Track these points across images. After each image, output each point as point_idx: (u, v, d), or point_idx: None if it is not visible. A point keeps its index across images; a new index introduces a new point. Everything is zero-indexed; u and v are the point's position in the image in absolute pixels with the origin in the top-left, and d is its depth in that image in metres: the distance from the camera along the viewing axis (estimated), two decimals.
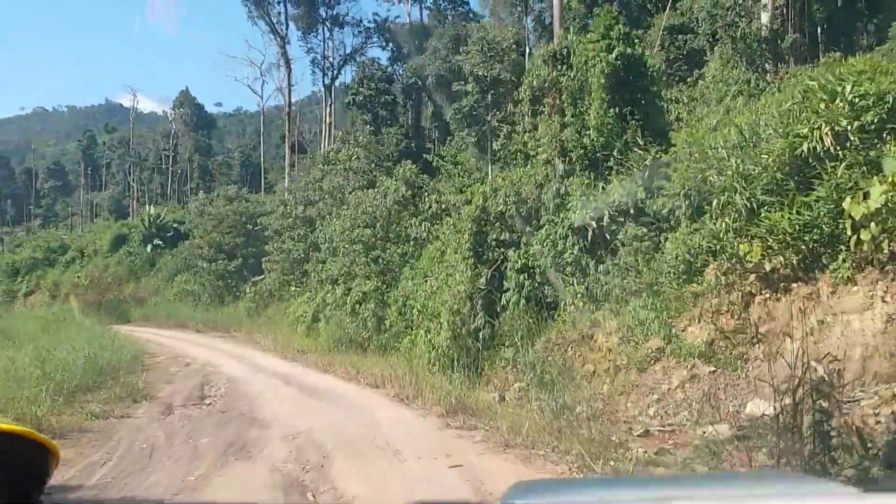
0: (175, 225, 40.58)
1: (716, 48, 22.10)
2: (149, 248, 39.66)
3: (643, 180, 12.75)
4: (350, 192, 23.14)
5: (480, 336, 13.06)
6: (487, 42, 22.96)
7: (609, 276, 11.96)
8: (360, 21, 46.16)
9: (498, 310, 13.18)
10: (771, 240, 9.58)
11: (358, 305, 19.05)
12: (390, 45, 46.91)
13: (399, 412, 10.14)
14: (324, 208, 24.44)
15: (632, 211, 12.37)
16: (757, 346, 9.67)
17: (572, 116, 13.76)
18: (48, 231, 57.55)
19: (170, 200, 65.45)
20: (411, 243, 19.45)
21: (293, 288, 27.60)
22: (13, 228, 77.34)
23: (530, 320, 12.35)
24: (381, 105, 39.56)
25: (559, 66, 14.20)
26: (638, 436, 8.75)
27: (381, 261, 19.34)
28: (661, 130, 13.45)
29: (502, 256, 13.25)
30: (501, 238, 13.32)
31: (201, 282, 33.04)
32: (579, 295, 12.12)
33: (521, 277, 12.80)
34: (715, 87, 19.71)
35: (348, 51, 45.89)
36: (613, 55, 13.10)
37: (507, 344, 12.67)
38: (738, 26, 21.66)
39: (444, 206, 19.06)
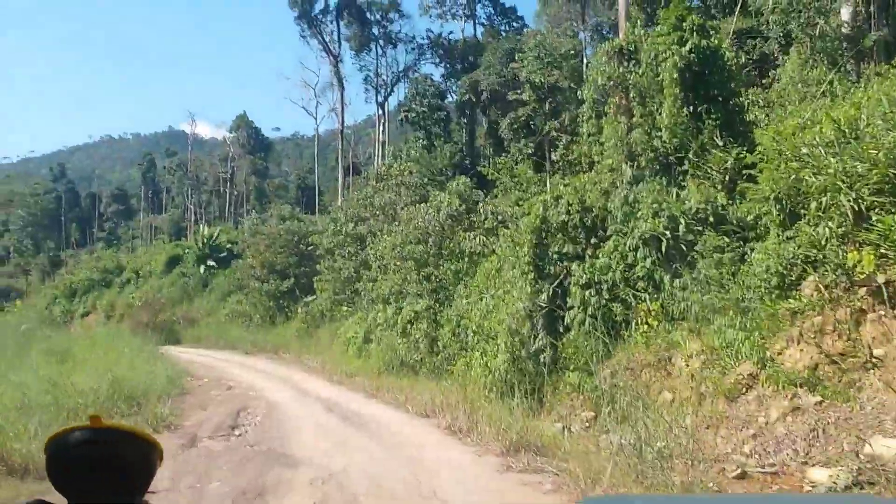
0: (229, 245, 40.52)
1: (792, 48, 20.49)
2: (202, 268, 39.61)
3: (723, 185, 11.43)
4: (402, 208, 22.27)
5: (542, 359, 11.85)
6: (544, 48, 21.81)
7: (687, 292, 10.62)
8: (413, 38, 45.70)
9: (561, 330, 11.95)
10: (885, 247, 8.19)
11: (409, 325, 18.06)
12: (444, 62, 46.30)
13: (450, 450, 8.96)
14: (375, 225, 23.64)
15: (711, 218, 11.04)
16: (872, 371, 8.23)
17: (641, 117, 12.53)
18: (106, 252, 58.56)
19: (227, 222, 66.14)
20: (465, 259, 18.41)
21: (345, 308, 26.84)
22: (77, 251, 79.45)
23: (598, 341, 11.06)
24: (435, 122, 38.81)
25: (625, 63, 13.00)
26: (734, 478, 7.41)
27: (433, 278, 18.33)
28: (742, 130, 12.10)
29: (565, 271, 12.04)
30: (564, 251, 12.12)
31: (253, 302, 32.62)
32: (653, 313, 10.80)
33: (587, 294, 11.56)
34: (794, 88, 18.14)
35: (401, 68, 45.41)
36: (687, 48, 11.85)
37: (571, 368, 11.43)
38: (817, 24, 20.04)
39: (500, 218, 17.99)
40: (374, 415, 11.77)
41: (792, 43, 21.28)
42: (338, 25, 45.40)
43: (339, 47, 45.69)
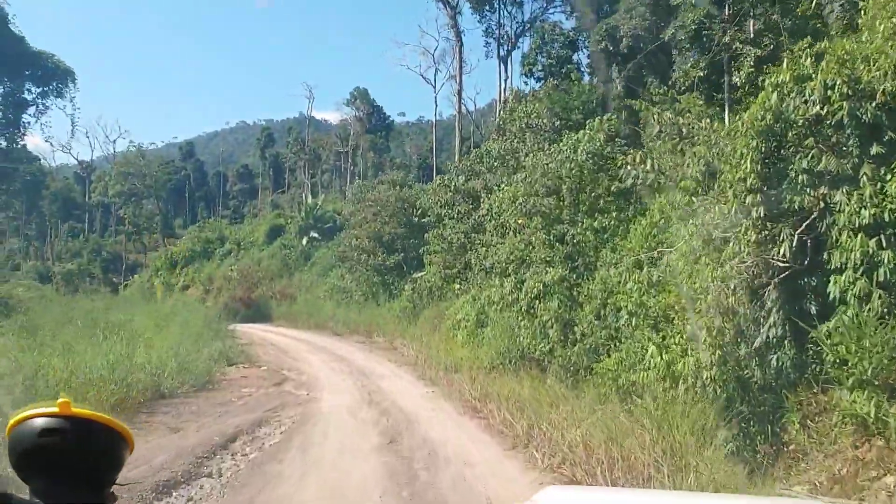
0: (334, 216, 36.92)
1: None
2: (304, 240, 36.13)
3: None
4: (526, 156, 17.28)
5: (778, 363, 6.55)
6: None
7: None
8: None
9: (813, 310, 6.59)
10: None
11: (536, 303, 13.13)
12: (574, 11, 40.45)
13: None
14: (491, 179, 18.78)
15: None
16: None
17: None
18: (209, 221, 56.93)
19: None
20: (613, 214, 13.22)
21: (456, 285, 22.27)
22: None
23: None
24: (564, 76, 33.35)
25: None
26: None
27: (568, 240, 13.26)
28: None
29: (820, 204, 6.63)
30: (818, 168, 6.69)
31: (356, 277, 28.73)
32: None
33: (870, 245, 6.14)
34: None
35: (526, 18, 40.11)
36: None
37: (844, 381, 6.06)
38: None
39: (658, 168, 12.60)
40: (470, 456, 7.00)
41: None
42: None
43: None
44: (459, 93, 41.00)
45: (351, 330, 22.29)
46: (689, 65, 16.67)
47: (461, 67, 41.36)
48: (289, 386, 11.40)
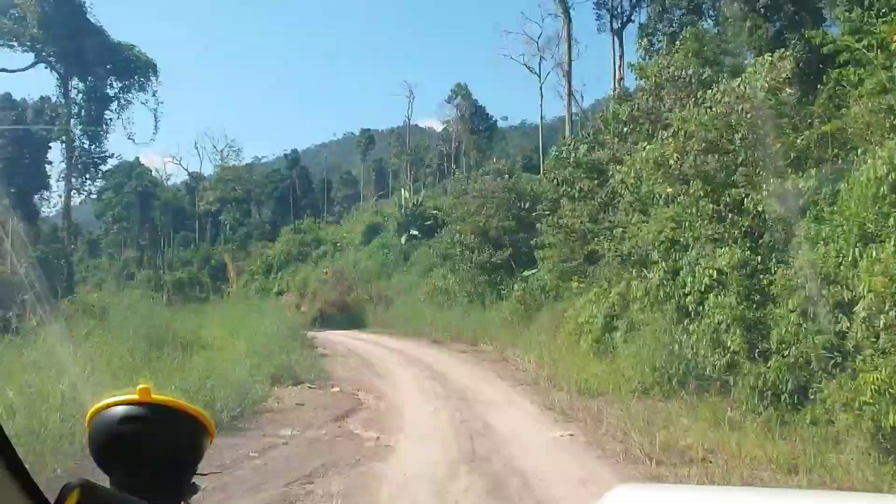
0: (436, 212, 33.85)
1: None
2: (403, 238, 33.26)
3: None
4: (668, 111, 13.50)
5: None
6: None
7: None
8: None
9: None
10: None
11: (700, 296, 9.40)
12: None
13: None
14: (621, 148, 15.04)
15: None
16: None
17: None
18: (304, 222, 54.92)
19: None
20: (812, 172, 9.29)
21: (574, 283, 18.72)
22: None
23: None
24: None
25: None
26: None
27: (749, 208, 9.43)
28: None
29: None
30: None
31: (459, 277, 25.54)
32: None
33: None
34: None
35: None
36: None
37: None
38: None
39: None
40: None
41: None
42: None
43: None
44: (569, 73, 37.27)
45: (453, 337, 19.05)
46: None
47: (570, 47, 37.60)
48: (355, 421, 8.22)
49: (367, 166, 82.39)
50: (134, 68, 34.98)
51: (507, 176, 27.92)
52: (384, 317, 25.36)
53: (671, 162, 10.32)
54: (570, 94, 37.98)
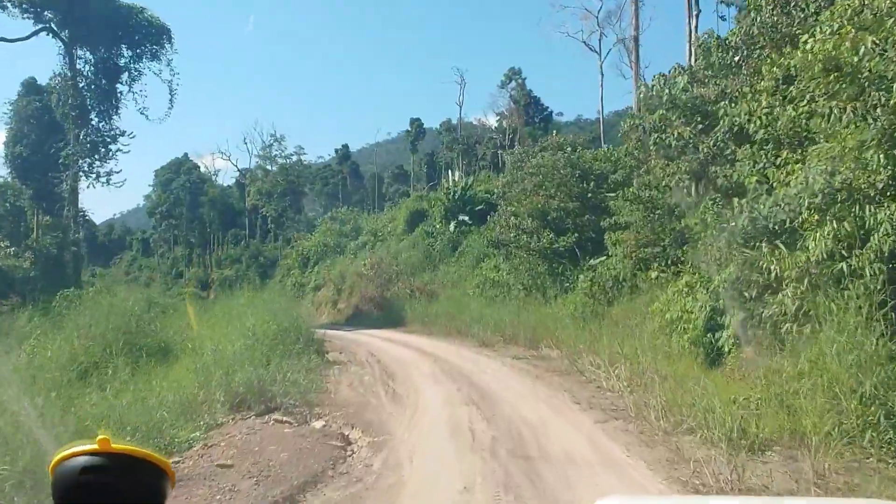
0: (488, 196, 30.02)
1: None
2: (451, 225, 29.46)
3: None
4: (797, 25, 9.55)
5: None
6: None
7: None
8: None
9: None
10: None
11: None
12: None
13: None
14: (732, 84, 11.07)
15: None
16: None
17: None
18: (342, 210, 51.37)
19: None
20: None
21: (654, 273, 15.12)
22: None
23: None
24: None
25: None
26: None
27: None
28: None
29: None
30: None
31: (514, 267, 21.83)
32: None
33: None
34: None
35: None
36: None
37: None
38: None
39: None
40: None
41: None
42: None
43: None
44: (636, 39, 32.96)
45: (506, 338, 15.29)
46: None
47: (637, 8, 33.29)
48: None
49: (417, 159, 79.38)
50: (146, 35, 31.84)
51: (569, 149, 24.06)
52: (424, 313, 21.80)
53: (854, 58, 6.39)
54: (636, 61, 33.72)
